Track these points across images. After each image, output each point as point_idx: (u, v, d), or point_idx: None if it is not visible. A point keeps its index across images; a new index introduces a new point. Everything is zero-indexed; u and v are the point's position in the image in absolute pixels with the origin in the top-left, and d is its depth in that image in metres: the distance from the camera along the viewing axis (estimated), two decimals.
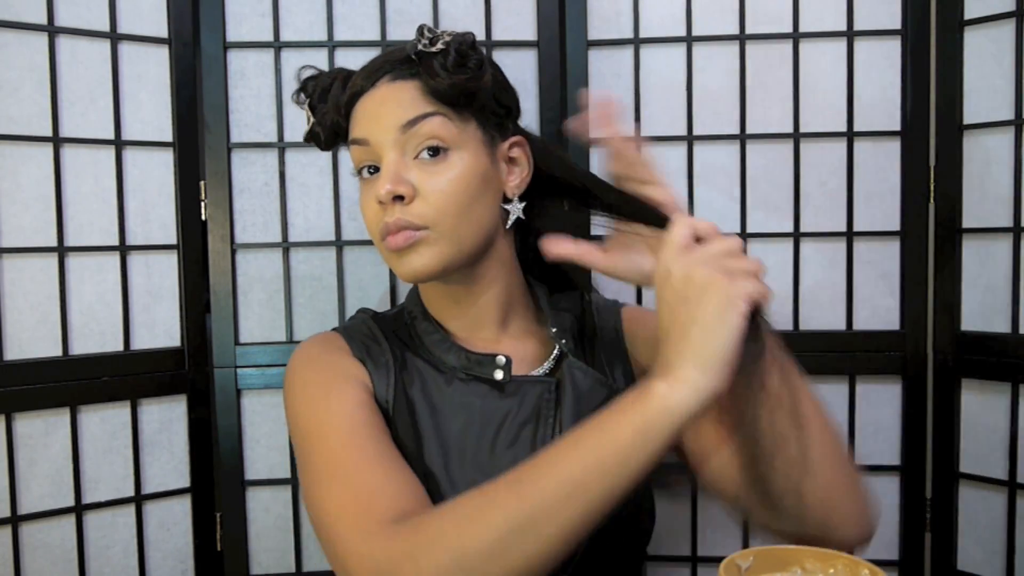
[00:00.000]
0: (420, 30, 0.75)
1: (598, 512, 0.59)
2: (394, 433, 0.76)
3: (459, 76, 0.73)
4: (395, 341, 0.83)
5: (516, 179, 0.80)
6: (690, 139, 1.25)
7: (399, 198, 0.73)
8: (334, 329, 0.86)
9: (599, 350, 0.86)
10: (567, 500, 0.58)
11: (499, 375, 0.77)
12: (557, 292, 0.90)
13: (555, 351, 0.82)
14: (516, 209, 0.80)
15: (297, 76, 0.84)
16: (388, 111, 0.74)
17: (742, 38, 1.24)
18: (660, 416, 0.58)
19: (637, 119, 1.26)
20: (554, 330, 0.82)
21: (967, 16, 1.19)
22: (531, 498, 0.58)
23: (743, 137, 1.25)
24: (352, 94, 0.77)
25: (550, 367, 0.82)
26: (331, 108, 0.79)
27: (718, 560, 0.56)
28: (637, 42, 1.26)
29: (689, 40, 1.25)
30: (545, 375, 0.81)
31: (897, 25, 1.22)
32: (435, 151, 0.73)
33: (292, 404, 0.78)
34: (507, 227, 0.81)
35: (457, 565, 0.58)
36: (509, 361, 0.78)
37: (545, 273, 0.90)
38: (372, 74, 0.76)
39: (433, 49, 0.73)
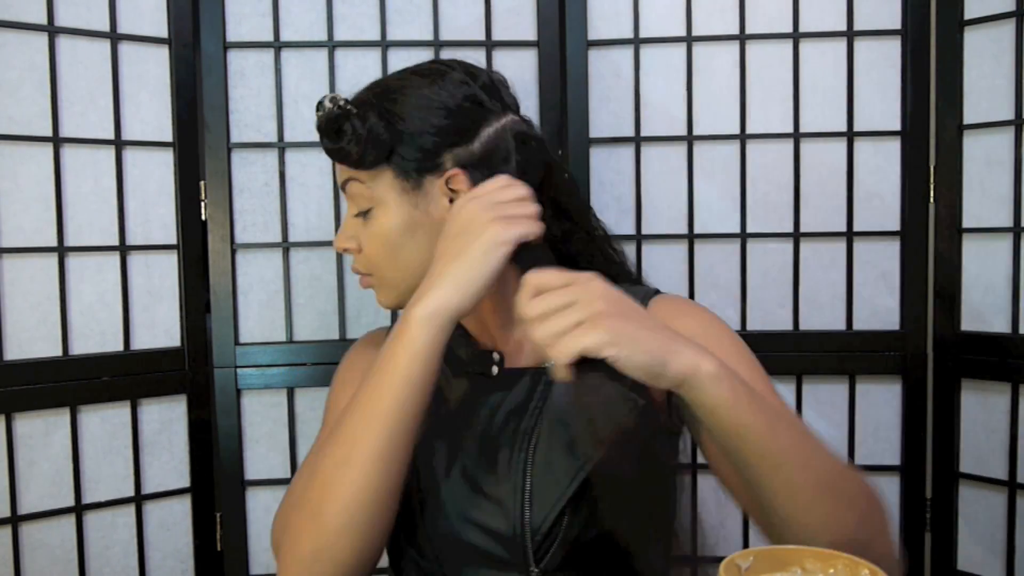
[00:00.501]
0: (320, 102, 0.77)
1: (393, 426, 0.68)
2: None
3: (335, 147, 0.75)
4: None
5: None
6: (690, 139, 1.25)
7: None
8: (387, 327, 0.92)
9: None
10: (368, 427, 0.68)
11: (495, 371, 0.81)
12: None
13: None
14: None
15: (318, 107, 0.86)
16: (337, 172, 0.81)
17: (742, 38, 1.24)
18: (411, 325, 0.69)
19: (637, 119, 1.26)
20: None
21: (967, 16, 1.19)
22: (345, 437, 0.69)
23: (743, 137, 1.25)
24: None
25: None
26: None
27: (718, 560, 0.56)
28: (637, 42, 1.26)
29: (689, 40, 1.25)
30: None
31: (897, 25, 1.22)
32: (364, 210, 0.78)
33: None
34: None
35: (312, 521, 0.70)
36: (503, 357, 0.81)
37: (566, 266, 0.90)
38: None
39: (322, 124, 0.76)
